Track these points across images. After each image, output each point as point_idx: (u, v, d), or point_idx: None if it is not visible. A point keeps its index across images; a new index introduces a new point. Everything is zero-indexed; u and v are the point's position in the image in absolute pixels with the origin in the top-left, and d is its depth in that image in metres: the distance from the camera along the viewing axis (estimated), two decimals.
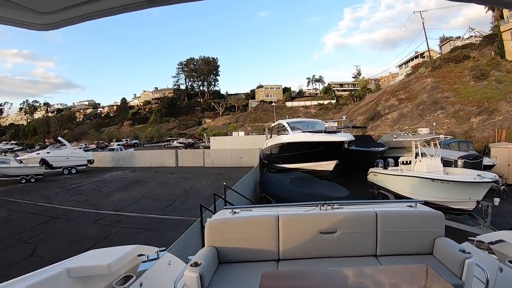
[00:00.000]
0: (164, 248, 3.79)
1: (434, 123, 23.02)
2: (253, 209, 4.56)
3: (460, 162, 17.38)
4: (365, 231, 3.81)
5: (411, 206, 4.33)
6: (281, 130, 23.68)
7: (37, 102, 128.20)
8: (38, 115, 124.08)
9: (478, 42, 51.83)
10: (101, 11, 1.40)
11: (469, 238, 3.80)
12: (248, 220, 4.00)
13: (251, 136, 46.25)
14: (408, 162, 15.14)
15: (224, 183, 9.79)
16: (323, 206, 4.20)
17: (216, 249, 3.76)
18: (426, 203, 13.03)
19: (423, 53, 68.44)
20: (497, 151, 20.88)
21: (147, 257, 3.42)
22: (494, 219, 12.45)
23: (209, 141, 47.81)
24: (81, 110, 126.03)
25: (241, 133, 49.97)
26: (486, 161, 18.88)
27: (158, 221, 13.50)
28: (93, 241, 11.11)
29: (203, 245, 3.96)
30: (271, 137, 25.76)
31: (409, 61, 76.12)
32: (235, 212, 4.25)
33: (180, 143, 60.15)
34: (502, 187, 16.34)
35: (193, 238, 6.34)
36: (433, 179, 12.64)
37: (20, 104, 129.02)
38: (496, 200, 14.63)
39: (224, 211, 4.51)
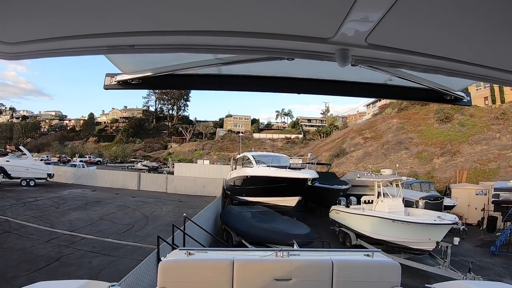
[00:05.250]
0: (116, 283, 3.57)
1: (397, 165, 23.56)
2: (209, 251, 4.50)
3: (421, 203, 17.73)
4: (320, 280, 3.72)
5: (368, 255, 4.24)
6: (246, 162, 23.71)
7: (3, 105, 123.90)
8: (2, 119, 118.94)
9: None
10: (61, 50, 1.45)
11: (426, 285, 3.75)
12: (203, 263, 3.90)
13: (216, 165, 45.95)
14: (370, 201, 15.34)
15: (184, 214, 9.54)
16: (279, 252, 4.09)
17: None
18: (386, 243, 13.04)
19: None
20: (458, 192, 21.53)
21: None
22: (454, 258, 12.78)
23: (174, 167, 47.25)
24: (47, 120, 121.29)
25: (206, 162, 49.42)
26: (447, 201, 19.42)
27: (114, 246, 13.09)
28: (45, 261, 10.76)
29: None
30: (235, 168, 25.65)
31: (377, 101, 78.02)
32: (190, 254, 4.08)
33: (144, 165, 58.76)
34: (462, 227, 16.97)
35: (148, 271, 6.11)
36: (393, 220, 12.75)
37: None
38: (456, 240, 14.86)
39: (179, 252, 4.35)
